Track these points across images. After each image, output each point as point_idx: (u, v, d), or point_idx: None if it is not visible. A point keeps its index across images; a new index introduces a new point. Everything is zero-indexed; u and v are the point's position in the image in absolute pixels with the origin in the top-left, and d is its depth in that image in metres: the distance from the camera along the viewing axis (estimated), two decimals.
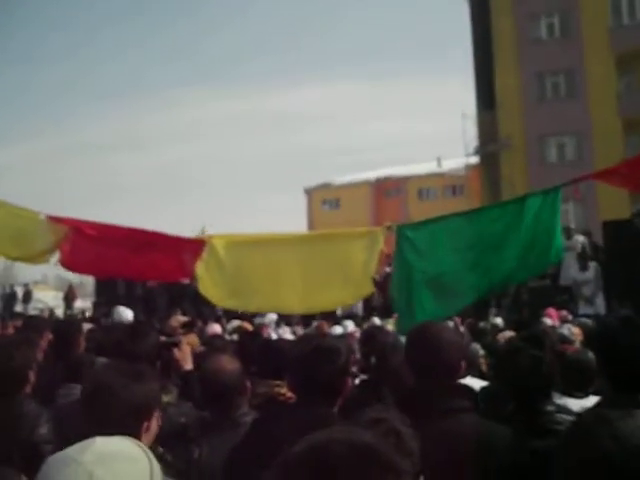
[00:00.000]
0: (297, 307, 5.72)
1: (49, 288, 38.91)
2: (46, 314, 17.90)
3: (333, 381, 2.46)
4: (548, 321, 7.78)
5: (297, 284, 5.11)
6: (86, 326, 5.97)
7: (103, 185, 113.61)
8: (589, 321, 7.32)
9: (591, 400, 3.46)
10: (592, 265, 11.71)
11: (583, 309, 11.08)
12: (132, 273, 6.65)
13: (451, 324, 6.12)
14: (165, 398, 3.08)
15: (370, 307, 12.41)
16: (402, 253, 4.86)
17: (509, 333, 5.92)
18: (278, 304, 5.52)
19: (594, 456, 1.37)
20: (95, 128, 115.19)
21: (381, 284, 5.46)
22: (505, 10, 27.69)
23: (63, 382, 3.86)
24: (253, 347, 4.42)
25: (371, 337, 4.70)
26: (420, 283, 4.76)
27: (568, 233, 12.73)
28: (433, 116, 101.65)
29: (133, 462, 1.42)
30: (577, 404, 3.49)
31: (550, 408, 2.81)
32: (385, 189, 47.51)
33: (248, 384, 3.04)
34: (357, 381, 4.01)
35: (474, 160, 30.29)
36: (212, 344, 5.14)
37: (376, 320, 9.66)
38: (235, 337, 7.21)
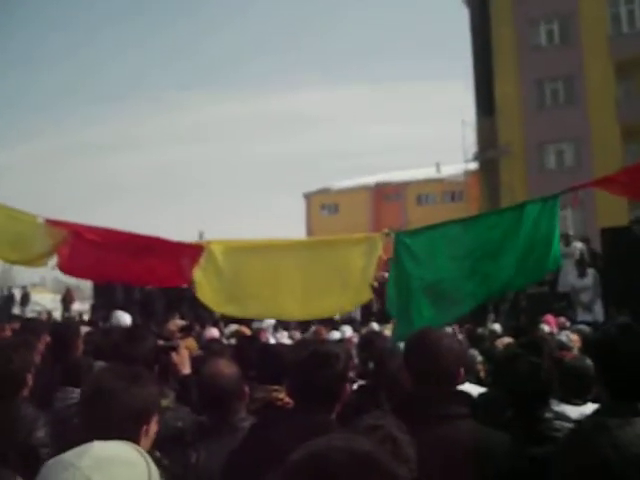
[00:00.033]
0: (296, 313, 5.71)
1: (47, 291, 38.82)
2: (44, 317, 17.88)
3: (331, 386, 2.46)
4: (546, 328, 7.78)
5: (295, 290, 5.10)
6: (84, 329, 5.96)
7: (103, 186, 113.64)
8: (587, 328, 7.32)
9: (589, 407, 3.45)
10: (590, 272, 11.71)
11: (581, 316, 11.08)
12: (130, 278, 6.65)
13: (449, 331, 6.12)
14: (163, 402, 3.07)
15: (368, 313, 12.40)
16: (400, 260, 4.85)
17: (507, 339, 5.92)
18: (276, 310, 5.51)
19: (593, 463, 1.37)
20: (95, 129, 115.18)
21: (379, 290, 5.44)
22: (505, 16, 27.76)
23: (60, 385, 3.84)
24: (251, 351, 4.42)
25: (369, 342, 4.70)
26: (418, 290, 4.75)
27: (566, 240, 12.76)
28: (433, 121, 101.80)
29: (131, 467, 1.42)
30: (575, 411, 3.49)
31: (548, 415, 2.81)
32: (384, 194, 47.56)
33: (246, 389, 3.03)
34: (355, 386, 4.00)
35: (473, 166, 30.33)
36: (210, 348, 5.13)
37: (374, 325, 9.65)
38: (233, 341, 7.20)
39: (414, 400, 2.46)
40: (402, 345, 3.53)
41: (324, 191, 49.41)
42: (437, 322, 4.46)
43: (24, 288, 26.47)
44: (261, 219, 78.27)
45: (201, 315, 11.46)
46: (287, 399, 3.13)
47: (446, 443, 2.25)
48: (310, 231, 46.45)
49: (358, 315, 13.01)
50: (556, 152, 27.61)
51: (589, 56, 26.28)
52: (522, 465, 2.32)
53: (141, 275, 5.92)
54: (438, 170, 45.07)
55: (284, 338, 9.60)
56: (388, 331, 6.63)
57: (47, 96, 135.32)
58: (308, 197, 50.13)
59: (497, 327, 8.63)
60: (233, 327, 8.77)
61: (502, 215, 5.14)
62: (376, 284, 5.12)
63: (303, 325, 11.29)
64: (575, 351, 5.61)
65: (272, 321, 10.46)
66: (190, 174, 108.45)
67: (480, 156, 28.59)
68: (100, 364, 3.90)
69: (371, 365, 4.14)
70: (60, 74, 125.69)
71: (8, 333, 6.69)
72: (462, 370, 2.60)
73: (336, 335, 8.92)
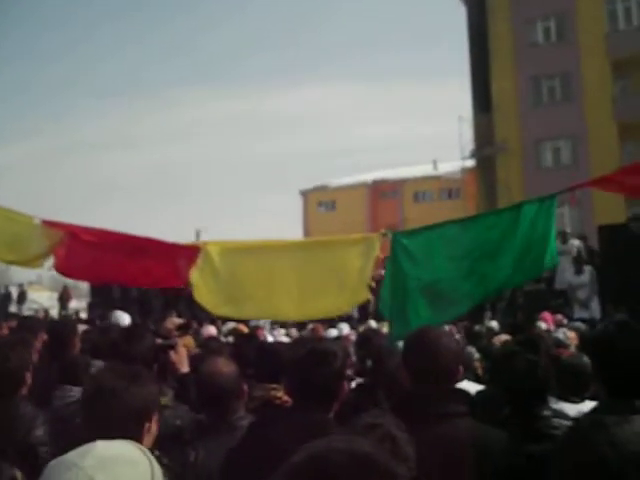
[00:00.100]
0: (292, 314, 5.70)
1: (44, 289, 38.73)
2: (41, 315, 17.84)
3: (329, 384, 2.46)
4: (543, 325, 7.80)
5: (292, 291, 5.09)
6: (81, 327, 5.96)
7: (101, 184, 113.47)
8: (584, 325, 7.34)
9: (587, 405, 3.46)
10: (587, 269, 11.75)
11: (578, 313, 11.11)
12: (126, 279, 6.65)
13: (446, 329, 6.12)
14: (161, 401, 3.07)
15: (366, 310, 12.41)
16: (397, 260, 4.84)
17: (504, 337, 5.93)
18: (273, 311, 5.50)
19: (590, 461, 1.38)
20: (93, 127, 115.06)
21: (376, 290, 5.43)
22: (502, 14, 27.77)
23: (58, 383, 3.84)
24: (249, 349, 4.42)
25: (367, 340, 4.71)
26: (415, 290, 4.75)
27: (564, 237, 12.79)
28: (430, 119, 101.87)
29: (134, 466, 1.42)
30: (573, 409, 3.50)
31: (546, 412, 2.82)
32: (381, 191, 47.53)
33: (245, 387, 3.03)
34: (353, 385, 4.00)
35: (470, 163, 30.31)
36: (208, 346, 5.14)
37: (372, 323, 9.66)
38: (230, 339, 7.21)
39: (413, 398, 2.47)
40: (400, 344, 3.54)
41: (321, 188, 49.36)
42: (434, 322, 4.46)
43: (21, 286, 26.42)
44: (258, 216, 78.31)
45: (198, 313, 11.45)
46: (285, 397, 3.14)
47: (445, 441, 2.26)
48: (307, 228, 46.43)
49: (355, 313, 13.02)
50: (553, 149, 27.63)
51: (586, 53, 26.29)
52: (520, 463, 2.32)
53: (137, 276, 5.92)
54: (435, 167, 45.05)
55: (281, 336, 9.61)
56: (386, 328, 6.63)
57: (45, 94, 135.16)
58: (305, 194, 50.07)
59: (494, 324, 8.65)
60: (230, 325, 8.79)
61: (500, 215, 5.14)
62: (373, 284, 5.11)
63: (300, 323, 11.30)
64: (572, 348, 5.62)
65: None
66: (188, 172, 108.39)
67: (477, 153, 28.60)
68: (98, 363, 3.90)
69: (369, 363, 4.15)
70: (58, 71, 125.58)
71: (5, 331, 6.69)
72: (461, 368, 2.60)
73: (333, 333, 8.93)
